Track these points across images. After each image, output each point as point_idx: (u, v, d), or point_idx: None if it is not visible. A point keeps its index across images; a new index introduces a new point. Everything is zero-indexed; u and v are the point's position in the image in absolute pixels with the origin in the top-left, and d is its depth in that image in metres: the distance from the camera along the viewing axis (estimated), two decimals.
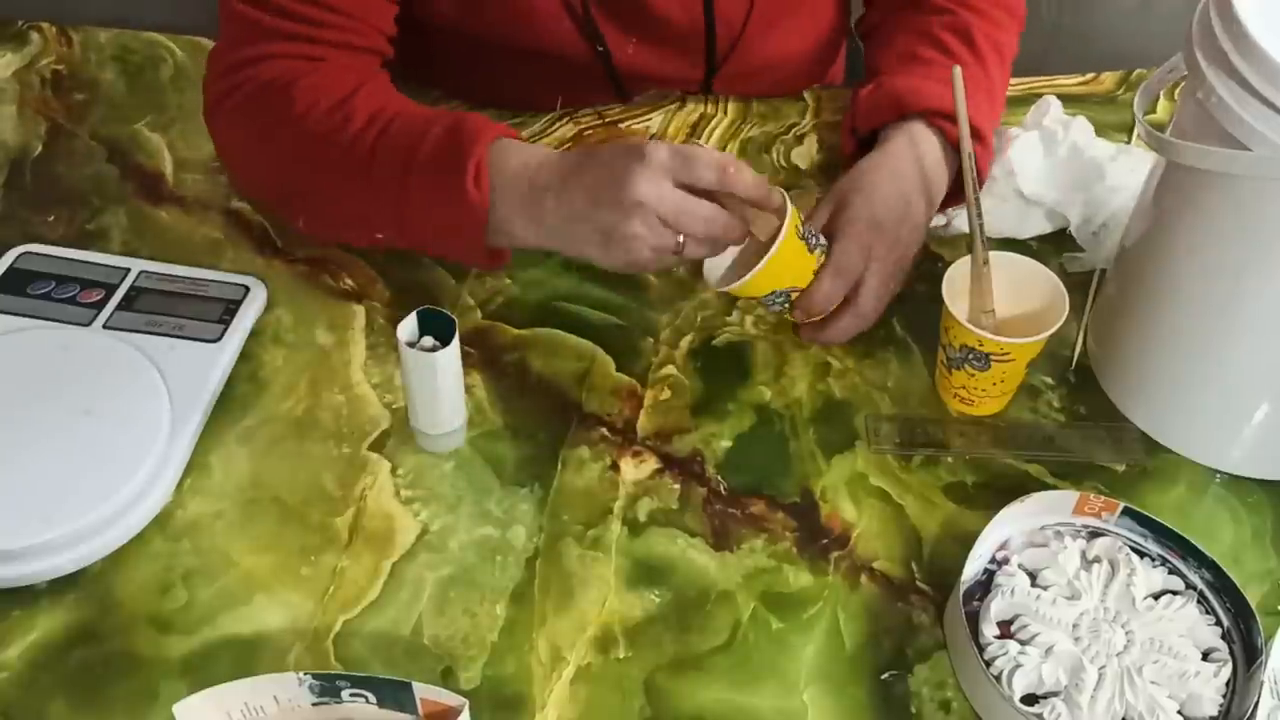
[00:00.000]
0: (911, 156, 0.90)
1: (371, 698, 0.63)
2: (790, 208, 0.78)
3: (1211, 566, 0.75)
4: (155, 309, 0.86)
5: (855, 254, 0.83)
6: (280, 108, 0.84)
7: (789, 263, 0.80)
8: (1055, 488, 0.81)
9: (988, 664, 0.70)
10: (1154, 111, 1.10)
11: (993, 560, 0.76)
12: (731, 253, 0.82)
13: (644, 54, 1.02)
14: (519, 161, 0.79)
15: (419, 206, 0.80)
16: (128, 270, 0.89)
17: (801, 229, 0.81)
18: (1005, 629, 0.73)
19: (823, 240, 0.83)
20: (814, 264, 0.82)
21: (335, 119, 0.82)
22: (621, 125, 1.05)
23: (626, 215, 0.74)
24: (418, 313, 0.76)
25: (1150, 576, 0.75)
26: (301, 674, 0.62)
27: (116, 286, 0.87)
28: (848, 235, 0.84)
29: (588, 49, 1.00)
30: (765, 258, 0.78)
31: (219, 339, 0.85)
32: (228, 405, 0.83)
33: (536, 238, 0.79)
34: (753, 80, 1.08)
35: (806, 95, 1.09)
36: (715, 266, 0.83)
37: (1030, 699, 0.70)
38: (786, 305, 0.83)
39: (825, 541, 0.79)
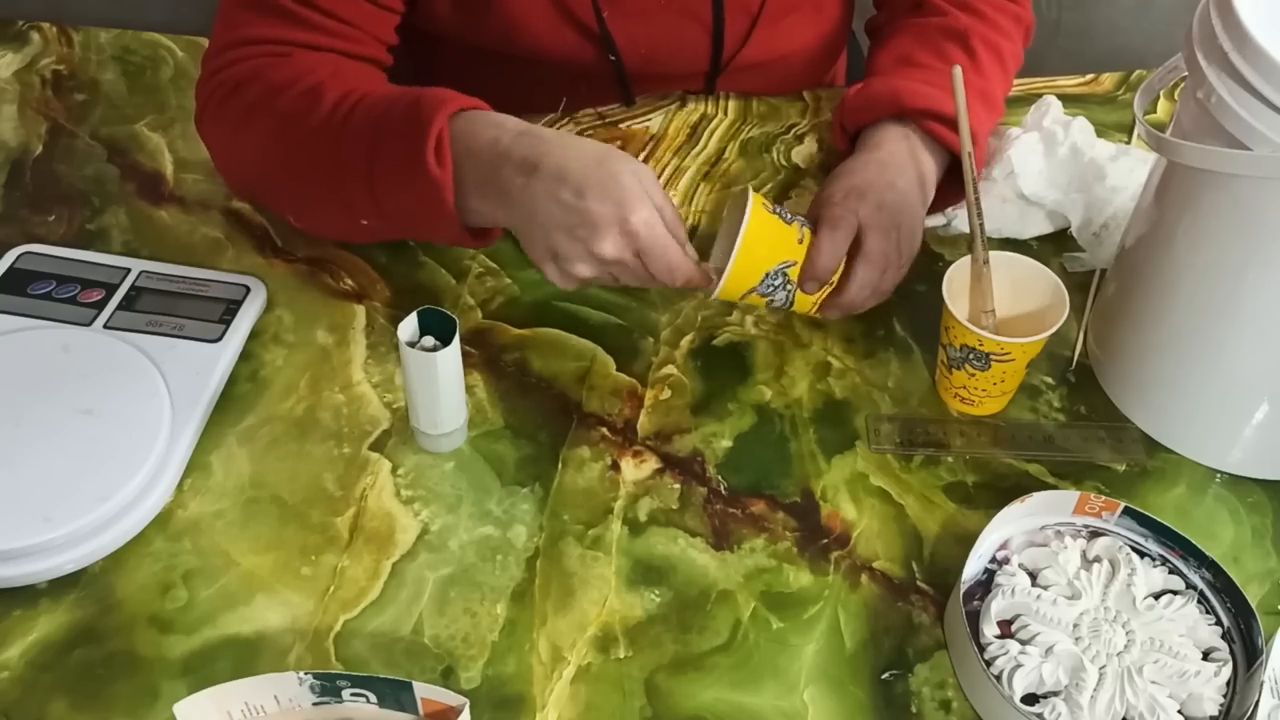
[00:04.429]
0: (893, 148, 0.90)
1: (372, 697, 0.63)
2: (750, 189, 0.79)
3: (1211, 566, 0.75)
4: (156, 309, 0.86)
5: (839, 210, 0.82)
6: (254, 96, 0.84)
7: (767, 236, 0.79)
8: (1055, 488, 0.81)
9: (988, 664, 0.70)
10: (1154, 111, 1.10)
11: (993, 560, 0.76)
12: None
13: (651, 56, 1.02)
14: (489, 133, 0.77)
15: (387, 186, 0.79)
16: (128, 270, 0.89)
17: (770, 205, 0.80)
18: (1005, 629, 0.73)
19: (802, 218, 0.82)
20: (796, 234, 0.80)
21: (305, 102, 0.82)
22: (622, 125, 1.05)
23: (605, 234, 0.74)
24: (418, 312, 0.76)
25: (1150, 576, 0.75)
26: (302, 674, 0.62)
27: (117, 286, 0.87)
28: (826, 201, 0.83)
29: (591, 55, 1.00)
30: (739, 234, 0.77)
31: (219, 339, 0.85)
32: (228, 405, 0.83)
33: (502, 212, 0.78)
34: (756, 78, 1.08)
35: (806, 95, 1.09)
36: None
37: (1030, 699, 0.70)
38: (790, 288, 0.81)
39: (826, 541, 0.79)
